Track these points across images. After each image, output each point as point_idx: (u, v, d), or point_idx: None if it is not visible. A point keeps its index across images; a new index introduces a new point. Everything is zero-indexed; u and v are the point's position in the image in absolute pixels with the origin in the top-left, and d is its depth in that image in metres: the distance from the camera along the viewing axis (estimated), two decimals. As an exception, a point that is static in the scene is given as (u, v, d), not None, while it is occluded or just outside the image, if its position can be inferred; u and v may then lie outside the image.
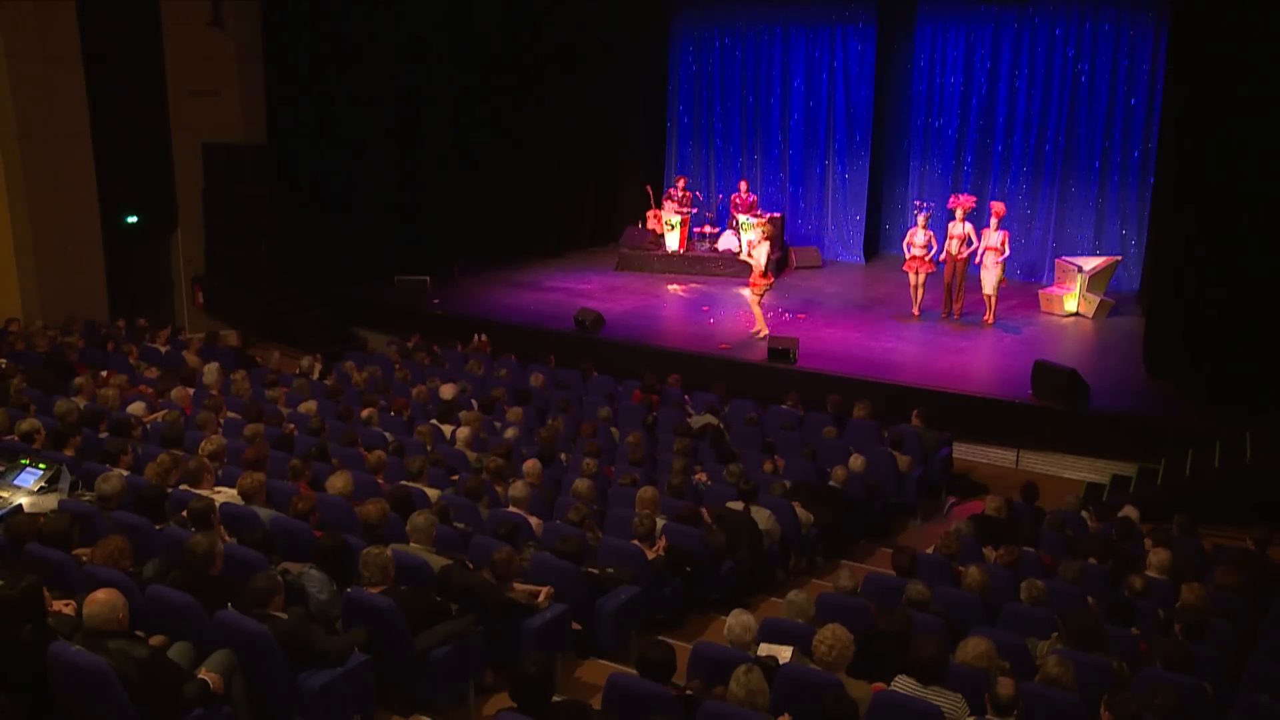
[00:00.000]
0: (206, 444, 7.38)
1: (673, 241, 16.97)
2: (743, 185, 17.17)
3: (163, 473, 6.67)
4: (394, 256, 15.57)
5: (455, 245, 16.86)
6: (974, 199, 14.54)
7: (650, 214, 17.42)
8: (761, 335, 12.91)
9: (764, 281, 13.01)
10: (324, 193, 15.68)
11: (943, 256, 13.97)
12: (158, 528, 5.92)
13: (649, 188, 17.70)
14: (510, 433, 9.32)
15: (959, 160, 17.12)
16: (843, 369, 11.90)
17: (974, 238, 13.80)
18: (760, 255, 12.98)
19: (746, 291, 13.27)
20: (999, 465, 11.06)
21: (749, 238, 13.59)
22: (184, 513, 6.01)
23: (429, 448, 8.58)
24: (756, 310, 13.15)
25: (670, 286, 16.05)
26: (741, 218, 16.58)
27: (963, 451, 10.96)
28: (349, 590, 5.35)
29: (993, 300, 13.79)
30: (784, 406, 10.80)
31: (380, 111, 15.65)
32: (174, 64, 14.64)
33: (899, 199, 17.96)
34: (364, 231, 15.78)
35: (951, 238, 13.85)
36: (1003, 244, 13.53)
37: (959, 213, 13.94)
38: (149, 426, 8.43)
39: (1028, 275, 16.38)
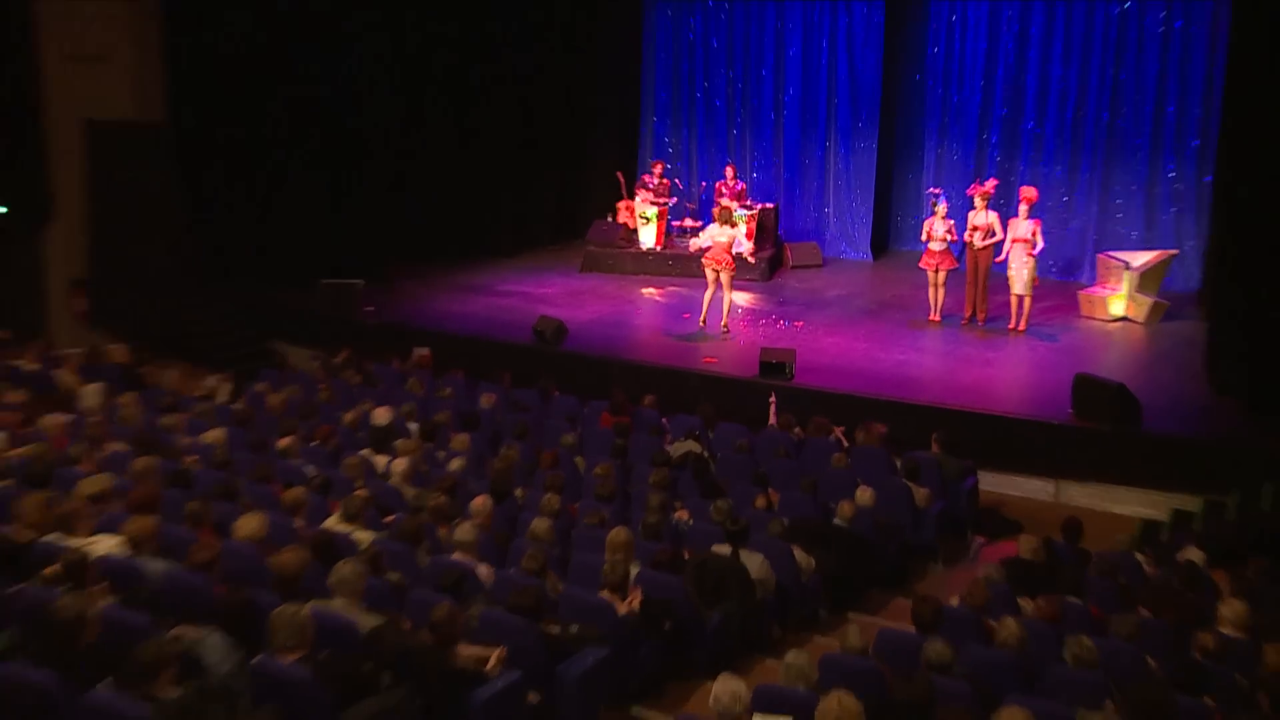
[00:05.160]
0: (85, 483, 7.23)
1: (648, 237, 17.04)
2: (729, 171, 17.27)
3: (25, 520, 6.50)
4: (321, 256, 15.55)
5: (394, 243, 16.87)
6: (995, 182, 14.65)
7: (621, 205, 17.57)
8: (724, 329, 13.59)
9: (723, 261, 13.40)
10: (237, 181, 15.57)
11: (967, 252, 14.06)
12: (14, 589, 5.71)
13: (620, 175, 17.77)
14: (456, 464, 9.32)
15: (983, 140, 17.30)
16: (848, 385, 11.96)
17: (999, 229, 13.87)
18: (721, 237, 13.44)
19: (723, 276, 13.54)
20: (1035, 498, 11.07)
21: (732, 233, 13.81)
22: (52, 569, 5.84)
23: (358, 483, 8.56)
24: (727, 296, 13.65)
25: (645, 290, 16.16)
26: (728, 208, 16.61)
27: (991, 482, 10.97)
28: (258, 659, 5.23)
29: (1024, 303, 13.83)
30: (795, 432, 10.90)
31: (307, 85, 15.60)
32: (49, 22, 14.25)
33: (912, 186, 18.28)
34: (285, 227, 15.72)
35: (973, 229, 13.95)
36: (1034, 236, 13.56)
37: (979, 200, 14.02)
38: (9, 462, 8.27)
39: (1065, 273, 16.51)
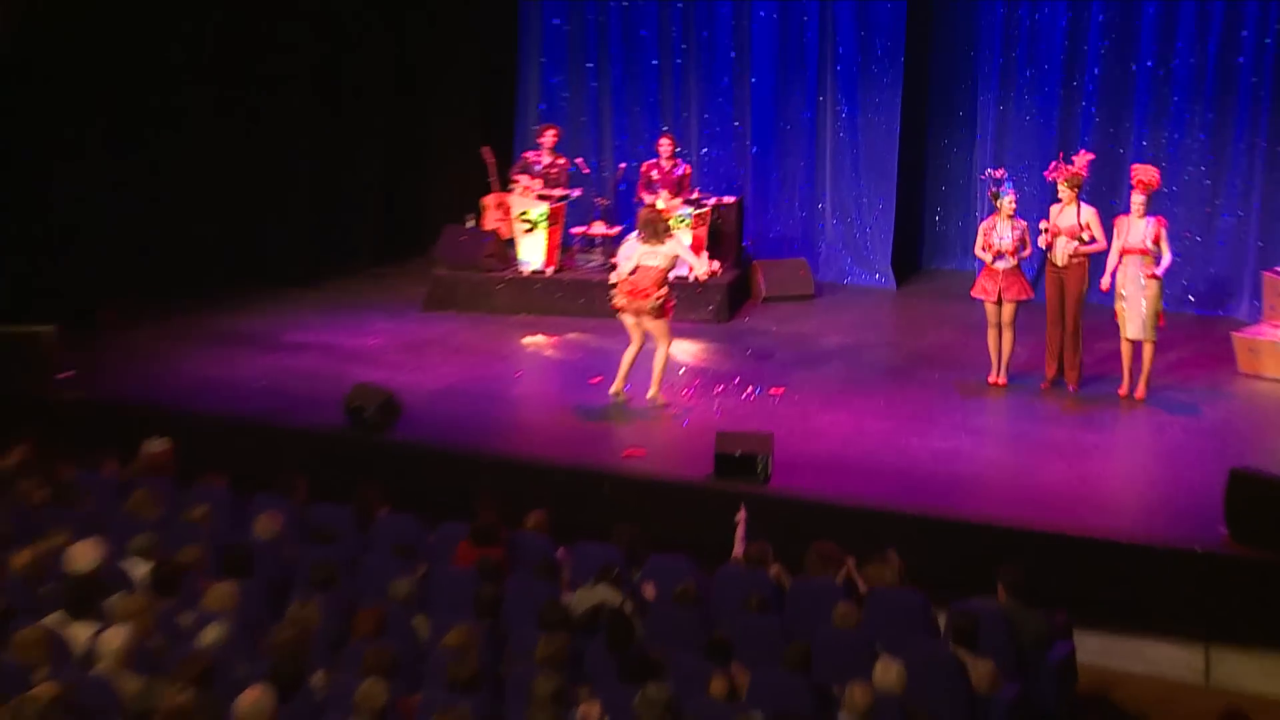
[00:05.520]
0: None
1: (532, 253, 17.19)
2: (665, 144, 17.44)
3: None
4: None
5: (118, 272, 16.93)
6: (1089, 158, 14.73)
7: (490, 202, 18.01)
8: (657, 400, 13.95)
9: (652, 297, 13.55)
10: None
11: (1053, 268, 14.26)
12: None
13: (487, 153, 18.03)
14: (212, 633, 9.08)
15: (1071, 90, 17.57)
16: (859, 491, 12.03)
17: (1098, 233, 14.03)
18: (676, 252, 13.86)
19: (651, 323, 13.72)
20: (1172, 677, 11.02)
21: (667, 253, 13.84)
22: None
23: (39, 672, 8.26)
24: (662, 350, 13.87)
25: (528, 339, 16.54)
26: (666, 205, 16.71)
27: (1097, 650, 10.85)
28: None
29: (1144, 353, 13.99)
30: (775, 571, 10.76)
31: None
32: None
33: (958, 168, 18.89)
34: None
35: (1054, 234, 14.06)
36: (1156, 243, 13.79)
37: (1065, 188, 14.15)
38: None
39: (1208, 305, 17.02)
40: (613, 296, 14.04)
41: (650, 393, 13.89)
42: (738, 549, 11.26)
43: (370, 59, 19.45)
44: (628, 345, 13.93)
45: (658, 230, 13.83)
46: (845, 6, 18.19)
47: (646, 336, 13.80)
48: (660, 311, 13.67)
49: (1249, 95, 16.75)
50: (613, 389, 14.04)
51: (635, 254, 13.73)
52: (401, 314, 17.19)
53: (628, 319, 13.80)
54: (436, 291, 17.36)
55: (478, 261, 17.38)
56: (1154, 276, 13.64)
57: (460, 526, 11.21)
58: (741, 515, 11.39)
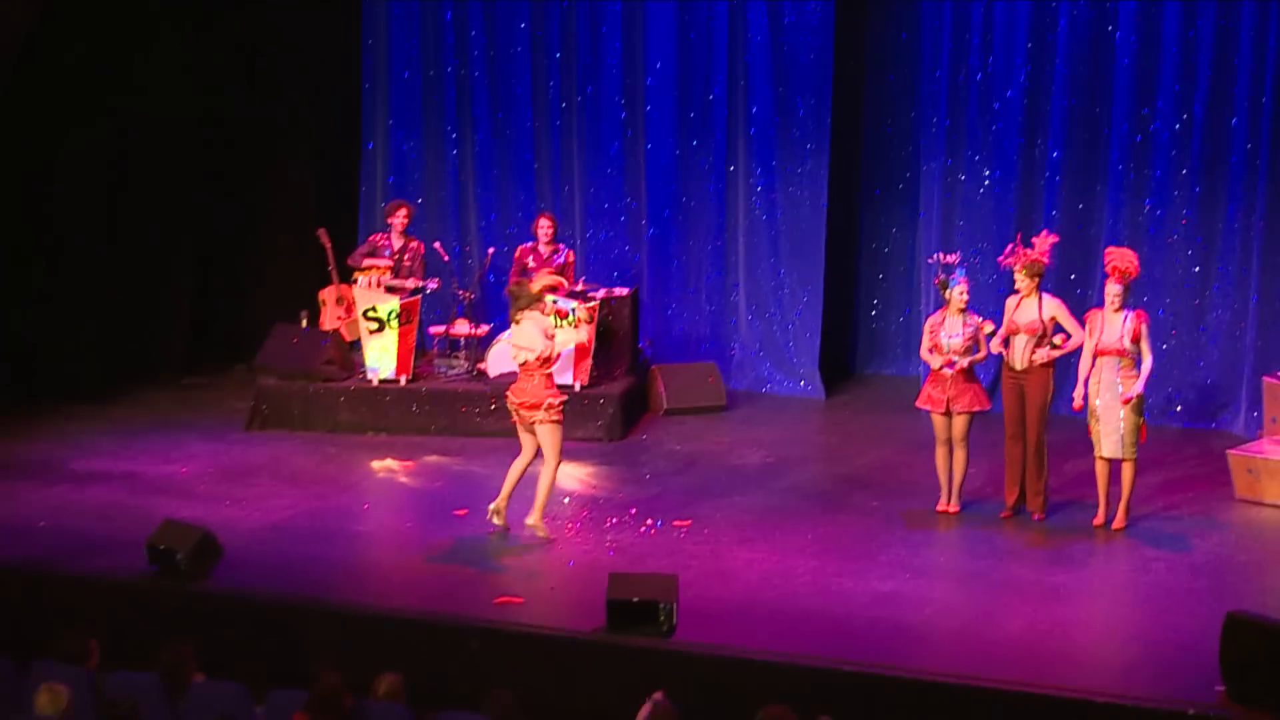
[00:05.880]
0: None
1: (381, 358, 17.30)
2: (542, 225, 17.78)
3: None
4: None
5: None
6: (1054, 239, 14.87)
7: (328, 295, 18.37)
8: (538, 530, 13.96)
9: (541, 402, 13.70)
10: None
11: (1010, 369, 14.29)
12: None
13: (324, 235, 17.96)
14: None
15: (1030, 158, 17.82)
16: (782, 643, 11.88)
17: (1071, 327, 14.16)
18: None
19: (544, 430, 13.77)
20: None
21: (561, 339, 14.23)
22: None
23: None
24: (550, 469, 13.92)
25: (377, 463, 16.58)
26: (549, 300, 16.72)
27: None
28: None
29: (1123, 475, 14.04)
30: None
31: None
32: None
33: (899, 251, 18.99)
34: None
35: (1010, 332, 14.24)
36: (1136, 342, 13.87)
37: (1023, 276, 14.26)
38: None
39: (1199, 416, 17.21)
40: (506, 397, 14.07)
41: (531, 519, 13.86)
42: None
43: (174, 115, 19.32)
44: (503, 467, 13.96)
45: (520, 300, 13.84)
46: (759, 57, 18.37)
47: (537, 450, 13.85)
48: (557, 414, 13.72)
49: (1243, 164, 16.93)
50: (494, 505, 14.02)
51: (526, 338, 13.68)
52: (219, 434, 17.09)
53: (521, 425, 13.87)
54: (262, 406, 17.27)
55: (314, 369, 17.32)
56: (1131, 376, 13.76)
57: (295, 694, 10.84)
58: (657, 698, 11.03)
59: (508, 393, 13.93)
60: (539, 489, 13.88)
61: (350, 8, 19.71)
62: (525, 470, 13.96)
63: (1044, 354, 14.06)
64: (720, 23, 18.47)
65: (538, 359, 13.61)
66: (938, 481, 14.61)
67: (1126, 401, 13.75)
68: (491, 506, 14.02)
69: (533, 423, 13.71)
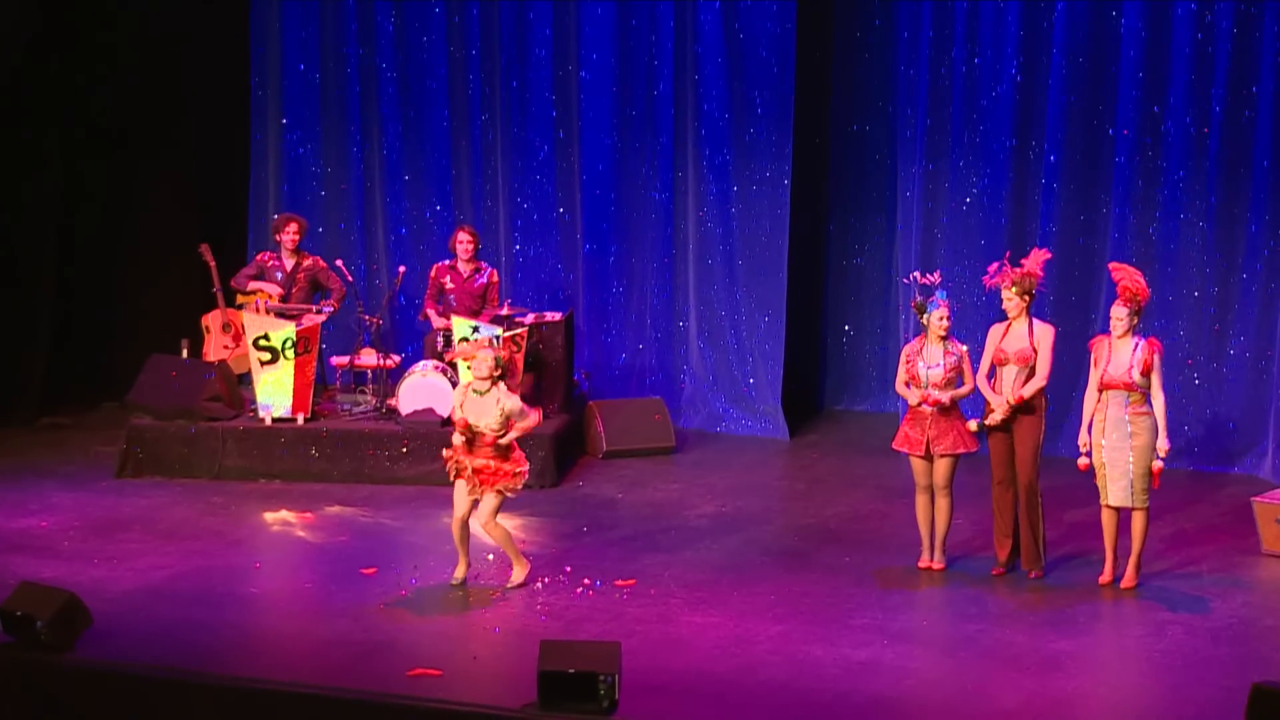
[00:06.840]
0: None
1: (274, 394, 17.39)
2: (462, 240, 17.96)
3: None
4: None
5: None
6: (1047, 255, 14.69)
7: (212, 320, 18.51)
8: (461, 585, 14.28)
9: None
10: None
11: (989, 413, 14.23)
12: None
13: (206, 252, 18.48)
14: None
15: (1023, 162, 18.05)
16: None
17: (1042, 364, 14.11)
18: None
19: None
20: None
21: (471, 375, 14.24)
22: None
23: None
24: (488, 511, 14.03)
25: (270, 515, 16.53)
26: (461, 330, 17.17)
27: None
28: None
29: (1134, 526, 13.94)
30: None
31: None
32: None
33: (873, 269, 19.69)
34: None
35: (997, 361, 14.25)
36: (1146, 374, 13.66)
37: (1012, 294, 14.16)
38: None
39: (1218, 459, 17.32)
40: (453, 439, 14.00)
41: (455, 576, 14.03)
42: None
43: (39, 117, 19.30)
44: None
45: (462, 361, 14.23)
46: (711, 47, 18.43)
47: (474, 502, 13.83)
48: (517, 487, 13.93)
49: (1267, 170, 16.78)
50: (457, 575, 14.07)
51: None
52: (86, 483, 17.04)
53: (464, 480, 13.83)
54: (135, 450, 17.21)
55: (195, 406, 17.26)
56: (1140, 414, 13.61)
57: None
58: None
59: (456, 452, 13.85)
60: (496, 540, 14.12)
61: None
62: (467, 523, 13.93)
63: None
64: (666, 7, 18.64)
65: (495, 436, 13.71)
66: (918, 534, 14.56)
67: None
68: (454, 581, 14.09)
69: (485, 490, 13.79)
